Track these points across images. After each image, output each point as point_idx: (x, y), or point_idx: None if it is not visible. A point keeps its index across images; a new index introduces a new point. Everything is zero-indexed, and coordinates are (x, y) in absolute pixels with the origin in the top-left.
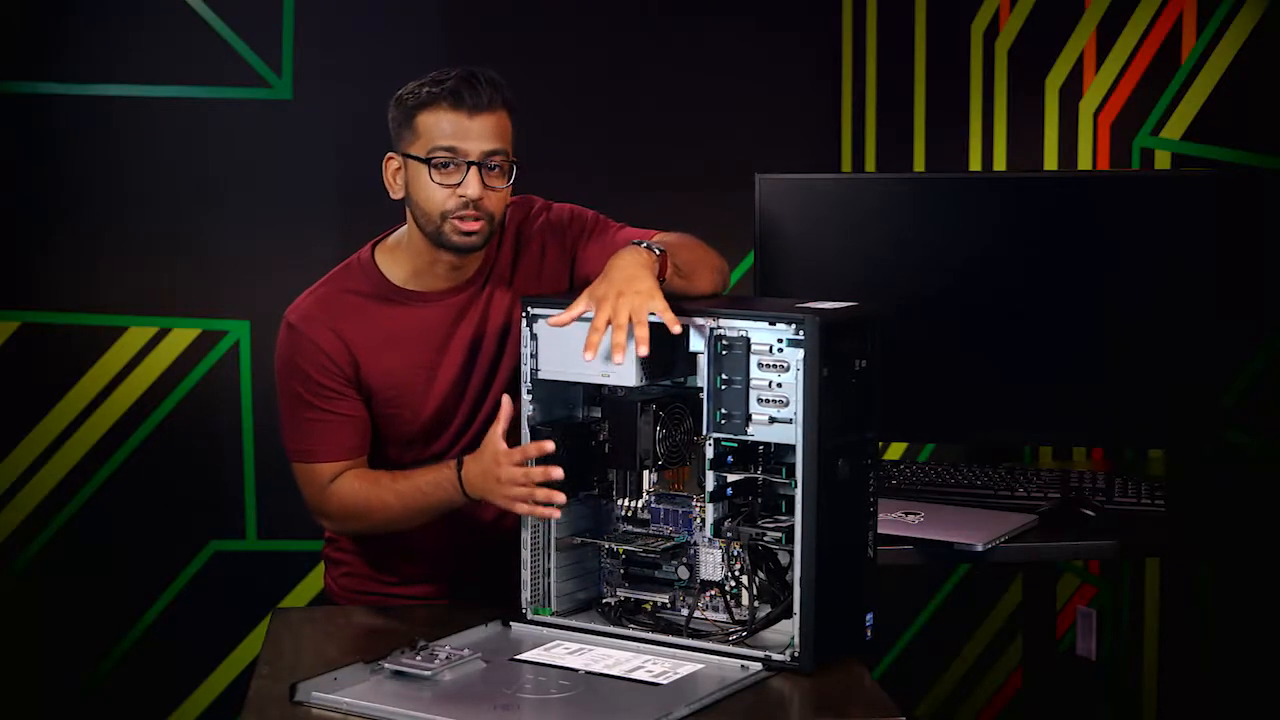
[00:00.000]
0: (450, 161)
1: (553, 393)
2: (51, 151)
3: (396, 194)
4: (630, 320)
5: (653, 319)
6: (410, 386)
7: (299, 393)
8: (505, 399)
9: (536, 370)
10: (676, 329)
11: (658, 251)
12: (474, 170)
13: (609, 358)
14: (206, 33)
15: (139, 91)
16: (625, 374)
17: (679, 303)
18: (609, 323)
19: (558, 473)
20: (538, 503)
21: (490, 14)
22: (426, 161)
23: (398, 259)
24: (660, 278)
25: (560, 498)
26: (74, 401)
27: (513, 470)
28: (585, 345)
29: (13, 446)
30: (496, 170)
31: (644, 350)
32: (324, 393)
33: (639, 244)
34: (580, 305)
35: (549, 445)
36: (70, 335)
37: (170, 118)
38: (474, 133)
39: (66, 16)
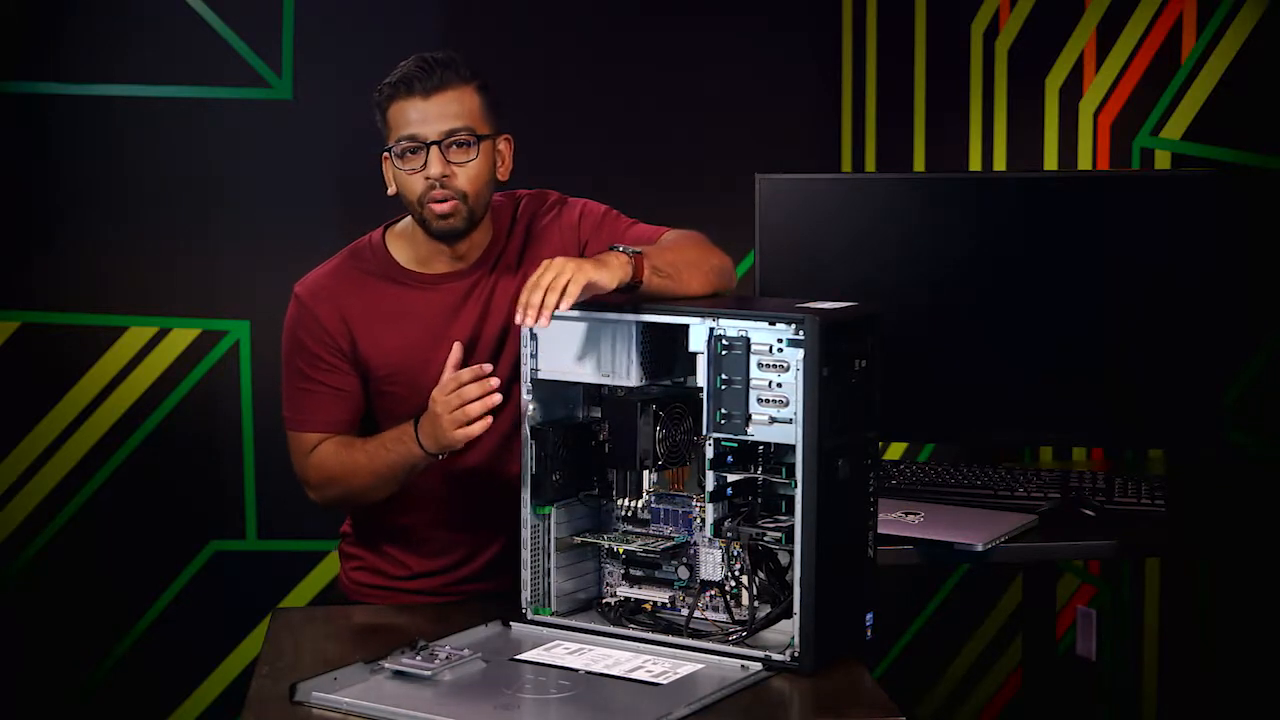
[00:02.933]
0: (414, 148)
1: (553, 393)
2: (51, 151)
3: (391, 190)
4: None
5: (656, 318)
6: (407, 366)
7: (296, 362)
8: (456, 346)
9: (536, 370)
10: (565, 305)
11: (630, 254)
12: (434, 150)
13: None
14: (206, 33)
15: (139, 91)
16: (626, 374)
17: (674, 303)
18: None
19: (487, 368)
20: (475, 418)
21: (490, 13)
22: (391, 151)
23: (405, 243)
24: (637, 280)
25: (495, 401)
26: (74, 401)
27: (445, 399)
28: (518, 305)
29: (13, 446)
30: (461, 147)
31: (545, 321)
32: (318, 364)
33: (614, 248)
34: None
35: (487, 368)
36: (70, 335)
37: (170, 118)
38: (431, 114)
39: (66, 16)
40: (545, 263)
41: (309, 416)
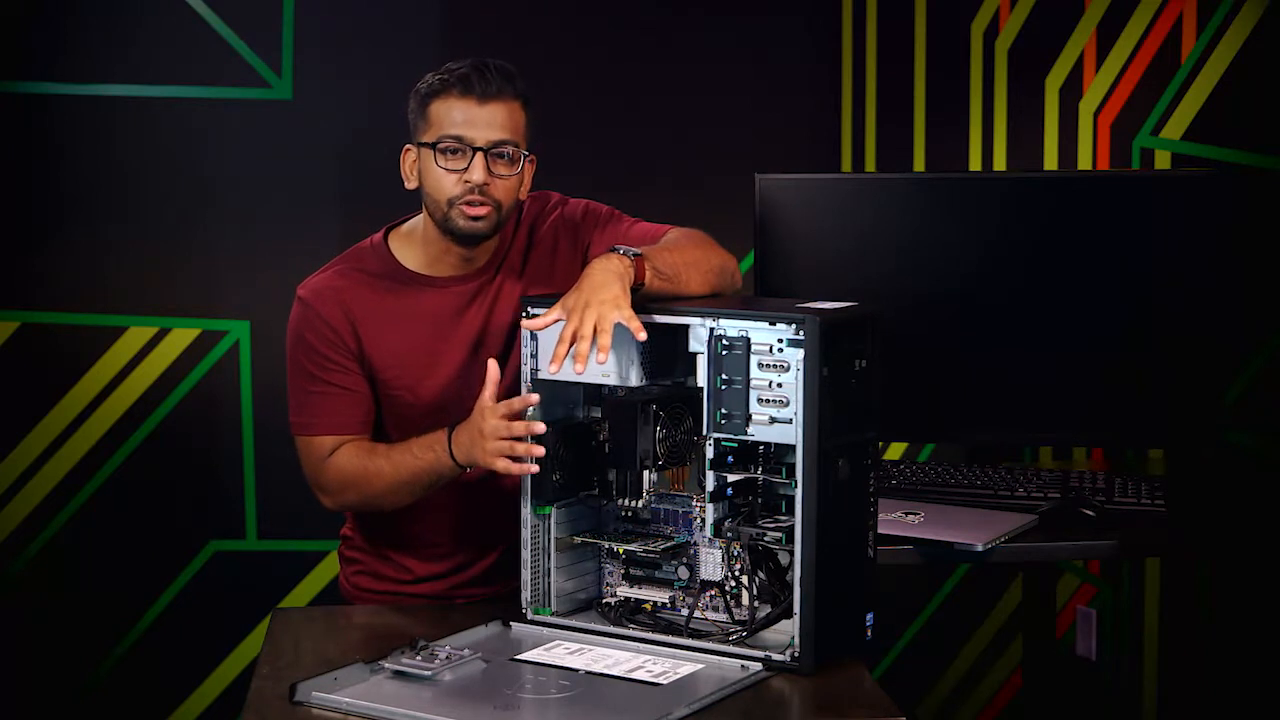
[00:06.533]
0: (458, 148)
1: (553, 393)
2: (51, 151)
3: (411, 184)
4: (596, 329)
5: (657, 319)
6: (412, 367)
7: (304, 364)
8: (491, 363)
9: (536, 370)
10: (641, 336)
11: (632, 256)
12: (480, 156)
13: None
14: (206, 33)
15: (139, 91)
16: (626, 374)
17: (674, 303)
18: (575, 334)
19: (540, 427)
20: (517, 458)
21: (490, 13)
22: (433, 147)
23: (411, 245)
24: (639, 282)
25: (539, 451)
26: (74, 401)
27: (496, 423)
28: (552, 358)
29: (13, 446)
30: (505, 159)
31: (602, 358)
32: (327, 365)
33: (615, 250)
34: (554, 314)
35: (534, 398)
36: (70, 335)
37: (170, 118)
38: (482, 120)
39: (66, 16)
40: (568, 311)
41: (320, 419)
